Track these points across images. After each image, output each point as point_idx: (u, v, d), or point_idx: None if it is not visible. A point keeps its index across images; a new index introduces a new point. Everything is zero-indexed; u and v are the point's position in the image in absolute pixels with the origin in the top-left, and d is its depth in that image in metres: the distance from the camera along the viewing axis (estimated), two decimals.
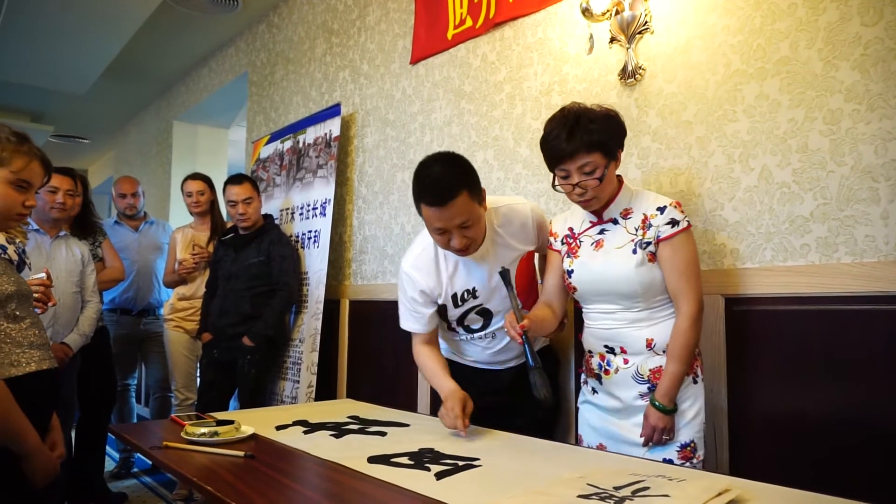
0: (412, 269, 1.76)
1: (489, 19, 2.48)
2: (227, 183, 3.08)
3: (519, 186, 2.33)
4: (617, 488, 1.05)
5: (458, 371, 1.92)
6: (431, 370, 1.75)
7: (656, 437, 1.50)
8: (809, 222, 1.59)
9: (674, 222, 1.51)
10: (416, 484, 1.14)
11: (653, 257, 1.53)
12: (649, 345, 1.54)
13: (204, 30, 4.48)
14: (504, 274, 1.58)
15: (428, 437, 1.53)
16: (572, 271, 1.62)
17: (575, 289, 1.63)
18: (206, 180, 3.52)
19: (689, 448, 1.51)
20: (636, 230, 1.55)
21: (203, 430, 1.49)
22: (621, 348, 1.57)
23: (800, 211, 1.61)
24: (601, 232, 1.60)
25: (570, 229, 1.68)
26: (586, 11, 1.97)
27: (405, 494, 1.10)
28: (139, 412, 4.39)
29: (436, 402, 2.00)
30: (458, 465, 1.25)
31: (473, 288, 1.74)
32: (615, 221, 1.59)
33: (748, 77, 1.72)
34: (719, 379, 1.70)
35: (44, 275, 2.02)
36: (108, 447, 3.45)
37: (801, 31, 1.62)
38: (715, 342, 1.71)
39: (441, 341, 1.93)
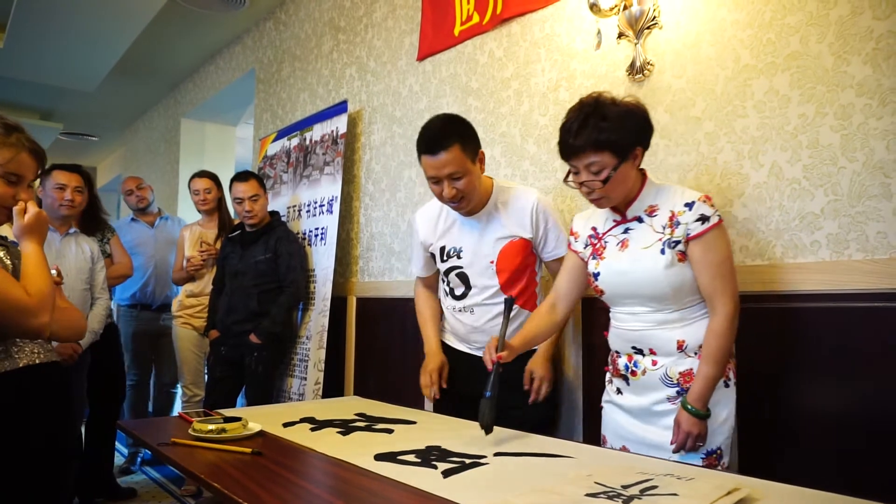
0: (418, 215, 2.02)
1: (496, 15, 2.47)
2: (233, 180, 3.08)
3: (526, 183, 2.32)
4: (625, 487, 1.04)
5: (445, 355, 1.99)
6: (423, 316, 2.03)
7: (689, 443, 1.41)
8: (820, 219, 1.57)
9: (704, 218, 1.42)
10: (422, 481, 1.13)
11: (683, 257, 1.44)
12: (680, 346, 1.47)
13: (211, 27, 4.49)
14: (508, 302, 1.54)
15: (435, 434, 1.52)
16: (598, 274, 1.55)
17: (602, 292, 1.56)
18: (213, 178, 3.53)
19: (714, 455, 1.44)
20: (663, 228, 1.46)
21: (211, 426, 1.49)
22: (650, 350, 1.50)
23: (810, 207, 1.59)
24: (626, 231, 1.53)
25: (594, 229, 1.61)
26: (594, 7, 1.96)
27: (412, 492, 1.09)
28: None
29: (439, 408, 1.99)
30: (464, 463, 1.25)
31: (460, 248, 1.88)
32: (640, 220, 1.51)
33: (758, 72, 1.70)
34: None
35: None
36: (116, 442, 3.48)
37: (811, 25, 1.60)
38: None
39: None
